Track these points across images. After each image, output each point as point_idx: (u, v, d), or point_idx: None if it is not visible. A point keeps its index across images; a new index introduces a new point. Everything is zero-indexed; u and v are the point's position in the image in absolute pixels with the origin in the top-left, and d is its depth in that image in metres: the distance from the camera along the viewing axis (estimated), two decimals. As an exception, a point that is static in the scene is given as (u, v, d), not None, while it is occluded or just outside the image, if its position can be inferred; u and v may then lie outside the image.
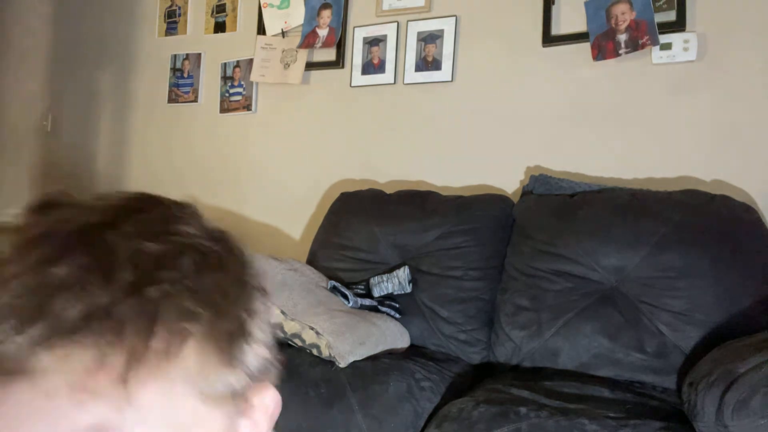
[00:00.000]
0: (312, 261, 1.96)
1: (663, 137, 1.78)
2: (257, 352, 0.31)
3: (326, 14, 2.32)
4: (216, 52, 2.62)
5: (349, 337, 1.42)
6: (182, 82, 2.70)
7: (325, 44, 2.32)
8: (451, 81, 2.10)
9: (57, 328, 0.25)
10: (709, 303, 1.40)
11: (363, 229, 1.88)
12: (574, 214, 1.62)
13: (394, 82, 2.20)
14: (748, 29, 1.70)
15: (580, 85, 1.90)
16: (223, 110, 2.59)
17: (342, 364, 1.37)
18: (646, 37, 1.77)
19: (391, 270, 1.76)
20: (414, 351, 1.61)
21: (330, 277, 1.80)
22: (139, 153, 2.82)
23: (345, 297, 1.66)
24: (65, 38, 3.08)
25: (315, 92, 2.38)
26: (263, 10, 2.47)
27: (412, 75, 2.16)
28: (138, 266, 0.28)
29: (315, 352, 1.41)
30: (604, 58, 1.84)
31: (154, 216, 0.31)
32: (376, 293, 1.72)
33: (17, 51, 3.23)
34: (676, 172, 1.77)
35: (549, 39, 1.93)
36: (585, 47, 1.87)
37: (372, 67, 2.24)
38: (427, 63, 2.13)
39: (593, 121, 1.88)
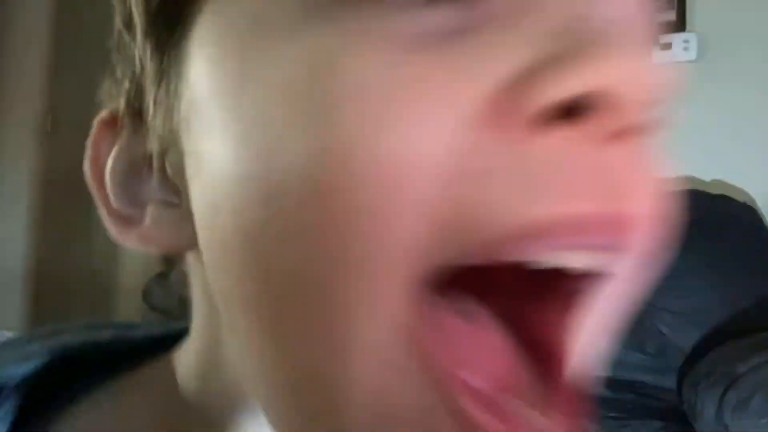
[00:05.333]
0: (312, 261, 1.96)
1: (663, 137, 1.78)
2: None
3: (326, 14, 2.32)
4: (216, 52, 2.62)
5: (349, 337, 1.42)
6: (182, 82, 2.70)
7: (325, 44, 2.31)
8: (451, 81, 2.10)
9: None
10: (709, 303, 1.40)
11: (363, 229, 1.88)
12: (574, 214, 1.62)
13: (394, 82, 2.20)
14: (748, 29, 1.70)
15: (580, 85, 1.90)
16: (223, 110, 2.58)
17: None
18: (646, 37, 1.77)
19: (391, 270, 1.76)
20: (414, 351, 1.61)
21: (330, 277, 1.79)
22: (139, 153, 2.82)
23: (345, 297, 1.66)
24: (65, 38, 3.08)
25: (315, 92, 2.37)
26: (263, 10, 2.47)
27: (412, 75, 2.16)
28: None
29: (315, 352, 1.42)
30: (604, 58, 1.83)
31: None
32: (376, 293, 1.72)
33: (17, 51, 3.23)
34: (676, 172, 1.77)
35: (549, 39, 1.93)
36: (585, 47, 1.87)
37: (372, 67, 2.24)
38: (427, 63, 2.13)
39: (593, 121, 1.88)
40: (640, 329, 1.44)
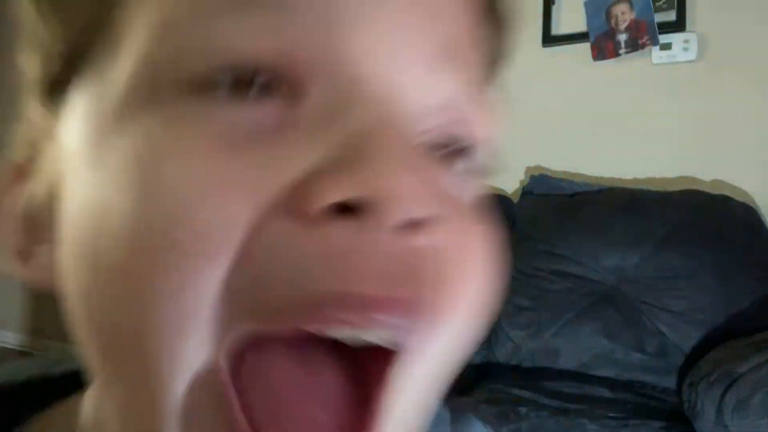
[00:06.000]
0: (312, 261, 1.96)
1: (663, 137, 1.78)
2: None
3: (326, 14, 2.32)
4: (216, 52, 2.62)
5: (349, 337, 1.42)
6: (182, 82, 2.70)
7: (325, 44, 2.31)
8: (451, 81, 2.10)
9: None
10: (709, 303, 1.41)
11: (363, 229, 1.88)
12: (574, 215, 1.62)
13: (394, 82, 2.20)
14: (748, 29, 1.70)
15: (580, 85, 1.90)
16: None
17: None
18: (646, 37, 1.77)
19: (391, 270, 1.76)
20: (414, 351, 1.61)
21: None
22: (139, 153, 2.82)
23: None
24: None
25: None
26: (263, 10, 2.47)
27: (412, 75, 2.16)
28: None
29: (315, 352, 1.42)
30: (604, 58, 1.84)
31: None
32: (376, 293, 1.72)
33: (18, 51, 3.23)
34: (676, 172, 1.77)
35: (549, 39, 1.93)
36: (585, 47, 1.87)
37: (372, 67, 2.24)
38: (427, 63, 2.13)
39: (593, 121, 1.88)
40: (640, 329, 1.45)
